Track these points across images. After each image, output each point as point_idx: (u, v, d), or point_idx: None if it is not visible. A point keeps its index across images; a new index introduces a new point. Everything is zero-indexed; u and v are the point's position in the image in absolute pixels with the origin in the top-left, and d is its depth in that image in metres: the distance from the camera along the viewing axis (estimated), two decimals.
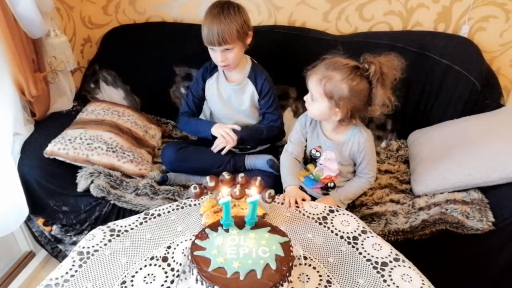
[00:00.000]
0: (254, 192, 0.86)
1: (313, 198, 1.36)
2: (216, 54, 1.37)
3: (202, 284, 0.75)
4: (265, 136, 1.52)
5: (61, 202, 1.39)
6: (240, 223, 0.87)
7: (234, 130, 1.45)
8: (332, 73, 1.14)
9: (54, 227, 1.44)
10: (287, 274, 0.77)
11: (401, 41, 1.61)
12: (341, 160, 1.29)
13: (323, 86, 1.15)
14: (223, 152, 1.46)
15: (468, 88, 1.54)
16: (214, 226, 0.87)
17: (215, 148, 1.47)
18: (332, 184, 1.33)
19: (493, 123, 1.43)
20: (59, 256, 1.57)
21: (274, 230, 0.86)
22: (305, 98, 1.23)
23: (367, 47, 1.62)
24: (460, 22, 1.68)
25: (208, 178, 1.00)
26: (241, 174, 1.02)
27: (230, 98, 1.52)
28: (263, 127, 1.53)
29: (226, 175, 1.02)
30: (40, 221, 1.45)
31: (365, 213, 1.31)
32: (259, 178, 1.00)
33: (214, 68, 1.52)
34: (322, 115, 1.22)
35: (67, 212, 1.40)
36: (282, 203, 1.12)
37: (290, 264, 0.78)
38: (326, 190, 1.35)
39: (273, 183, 1.37)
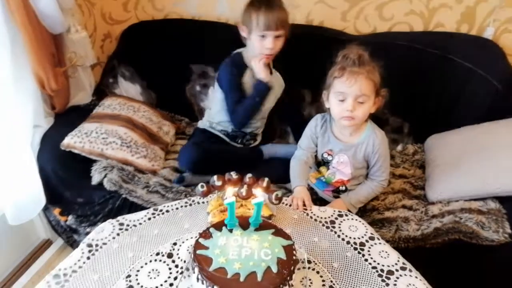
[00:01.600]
0: (259, 193, 0.86)
1: (324, 201, 1.36)
2: (268, 41, 1.40)
3: (202, 283, 0.75)
4: None
5: (76, 194, 1.43)
6: (244, 224, 0.86)
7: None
8: (368, 66, 1.13)
9: (70, 217, 1.48)
10: (288, 278, 0.76)
11: (421, 42, 1.58)
12: (355, 163, 1.27)
13: (372, 80, 1.13)
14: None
15: (490, 93, 1.48)
16: (219, 226, 0.87)
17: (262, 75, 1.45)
18: (343, 188, 1.32)
19: None
20: (74, 245, 1.62)
21: (278, 232, 0.86)
22: (350, 107, 1.13)
23: (384, 48, 1.60)
24: (484, 24, 1.62)
25: (215, 177, 1.00)
26: (249, 175, 1.02)
27: None
28: None
29: (233, 175, 1.02)
30: (56, 211, 1.50)
31: (376, 218, 1.28)
32: (266, 179, 1.00)
33: (243, 66, 1.51)
34: (368, 114, 1.18)
35: (82, 204, 1.44)
36: (290, 205, 1.11)
37: (292, 268, 0.78)
38: (338, 193, 1.33)
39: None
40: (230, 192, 0.87)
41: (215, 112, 1.60)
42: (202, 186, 0.99)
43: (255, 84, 1.48)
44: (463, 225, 1.15)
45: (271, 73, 1.53)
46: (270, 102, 1.57)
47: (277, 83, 1.56)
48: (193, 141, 1.59)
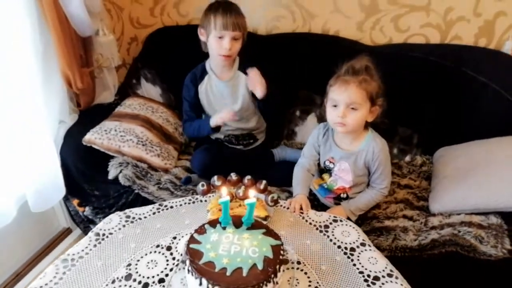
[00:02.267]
0: (252, 193, 0.91)
1: (325, 207, 1.38)
2: (224, 42, 1.43)
3: (192, 275, 0.81)
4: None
5: (94, 187, 1.52)
6: (238, 223, 0.91)
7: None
8: (364, 75, 1.17)
9: (87, 208, 1.58)
10: (272, 275, 0.80)
11: (436, 54, 1.58)
12: (356, 170, 1.29)
13: (364, 89, 1.16)
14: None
15: (503, 108, 1.46)
16: (214, 223, 0.92)
17: (214, 121, 1.48)
18: (345, 195, 1.34)
19: None
20: None
21: (269, 232, 0.90)
22: (340, 114, 1.17)
23: (399, 59, 1.62)
24: (503, 38, 1.60)
25: (215, 177, 1.06)
26: (248, 176, 1.07)
27: (223, 96, 1.58)
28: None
29: (233, 176, 1.08)
30: (75, 202, 1.60)
31: (375, 226, 1.29)
32: (264, 182, 1.05)
33: (203, 72, 1.59)
34: (361, 122, 1.21)
35: (98, 196, 1.53)
36: (288, 208, 1.15)
37: (277, 267, 0.82)
38: (339, 200, 1.35)
39: None
40: (225, 191, 0.92)
41: None
42: (202, 185, 1.05)
43: (205, 123, 1.52)
44: (461, 238, 1.15)
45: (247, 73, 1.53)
46: (238, 104, 1.56)
47: (242, 85, 1.57)
48: (205, 146, 1.62)
